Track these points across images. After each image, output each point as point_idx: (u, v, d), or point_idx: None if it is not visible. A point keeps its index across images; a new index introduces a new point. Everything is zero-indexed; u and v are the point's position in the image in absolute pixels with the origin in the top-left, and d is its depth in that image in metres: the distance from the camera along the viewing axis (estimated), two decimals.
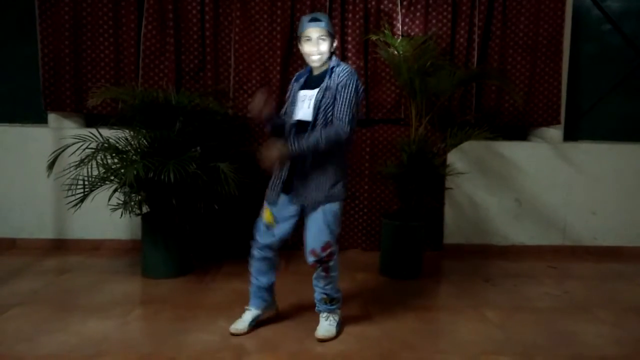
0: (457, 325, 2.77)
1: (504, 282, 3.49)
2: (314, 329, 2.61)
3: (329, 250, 2.47)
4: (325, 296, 2.60)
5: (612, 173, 4.25)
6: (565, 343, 2.58)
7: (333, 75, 2.43)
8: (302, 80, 2.56)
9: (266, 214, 2.53)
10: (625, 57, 4.35)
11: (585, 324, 2.82)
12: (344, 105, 2.38)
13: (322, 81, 2.44)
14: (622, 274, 3.79)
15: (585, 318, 2.90)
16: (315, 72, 2.52)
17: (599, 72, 4.36)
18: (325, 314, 2.62)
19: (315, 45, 2.41)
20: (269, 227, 2.53)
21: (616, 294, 3.35)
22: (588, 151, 4.25)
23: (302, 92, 2.50)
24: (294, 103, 2.52)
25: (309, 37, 2.41)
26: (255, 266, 2.61)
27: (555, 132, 4.22)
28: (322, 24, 2.41)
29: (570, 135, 4.34)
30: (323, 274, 2.54)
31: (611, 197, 4.26)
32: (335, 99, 2.39)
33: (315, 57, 2.43)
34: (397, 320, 2.80)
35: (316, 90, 2.43)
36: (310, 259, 2.49)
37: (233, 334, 2.55)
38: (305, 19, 2.45)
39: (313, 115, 2.41)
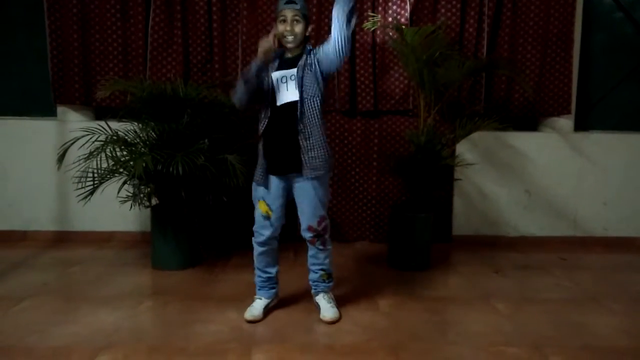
0: (467, 317, 2.76)
1: (513, 274, 3.48)
2: (321, 320, 2.62)
3: (324, 224, 2.61)
4: (322, 272, 2.71)
5: (623, 163, 4.21)
6: (576, 334, 2.57)
7: (312, 54, 2.51)
8: (274, 65, 2.55)
9: (262, 207, 2.58)
10: (637, 46, 4.28)
11: (596, 315, 2.81)
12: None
13: (299, 61, 2.50)
14: (633, 264, 3.77)
15: (595, 309, 2.89)
16: (289, 55, 2.55)
17: (610, 62, 4.30)
18: (325, 296, 2.73)
19: (290, 25, 2.47)
20: (267, 217, 2.59)
21: (627, 285, 3.32)
22: (599, 141, 4.20)
23: (278, 73, 2.51)
24: (269, 85, 2.52)
25: (284, 16, 2.47)
26: (262, 260, 2.69)
27: (565, 122, 4.18)
28: (297, 5, 2.48)
29: (581, 125, 4.29)
30: (321, 247, 2.66)
31: (622, 188, 4.22)
32: (324, 47, 2.46)
33: (289, 37, 2.48)
34: (405, 311, 2.80)
35: (294, 70, 2.48)
36: (308, 234, 2.61)
37: (250, 321, 2.60)
38: (281, 0, 2.50)
39: (299, 93, 2.47)
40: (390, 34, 3.76)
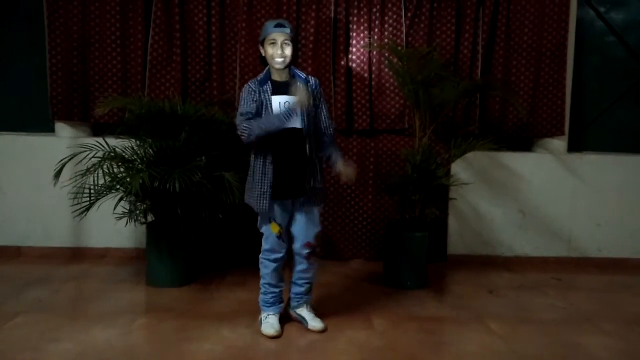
0: (461, 337, 2.76)
1: (508, 294, 3.48)
2: (316, 339, 2.63)
3: (318, 238, 2.74)
4: (308, 285, 2.79)
5: (617, 184, 4.24)
6: (571, 355, 2.57)
7: (309, 85, 2.65)
8: (267, 87, 2.59)
9: (275, 228, 2.63)
10: (630, 69, 4.35)
11: (591, 336, 2.80)
12: (328, 116, 2.74)
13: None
14: (628, 286, 3.77)
15: (590, 330, 2.89)
16: (280, 78, 2.63)
17: (604, 84, 4.37)
18: (308, 307, 2.80)
19: (280, 48, 2.54)
20: (280, 236, 2.64)
21: (622, 306, 3.33)
22: (593, 162, 4.24)
23: (279, 99, 2.57)
24: (270, 110, 2.56)
25: (274, 40, 2.55)
26: (275, 276, 2.73)
27: (559, 144, 4.22)
28: (287, 30, 2.57)
29: (575, 146, 4.34)
30: (313, 262, 2.74)
31: (616, 209, 4.25)
32: (317, 107, 2.67)
33: (279, 60, 2.56)
34: (401, 331, 2.80)
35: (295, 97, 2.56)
36: (306, 251, 2.69)
37: (274, 337, 2.64)
38: (270, 24, 2.60)
39: (305, 123, 2.58)
40: (387, 55, 3.82)
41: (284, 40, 2.54)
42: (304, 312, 2.79)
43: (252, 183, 2.64)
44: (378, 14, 3.93)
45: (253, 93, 2.57)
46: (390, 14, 3.94)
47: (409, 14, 3.95)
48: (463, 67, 4.00)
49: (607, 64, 4.35)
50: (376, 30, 3.94)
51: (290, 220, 2.69)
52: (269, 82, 2.61)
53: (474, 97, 4.02)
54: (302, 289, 2.78)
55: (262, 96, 2.57)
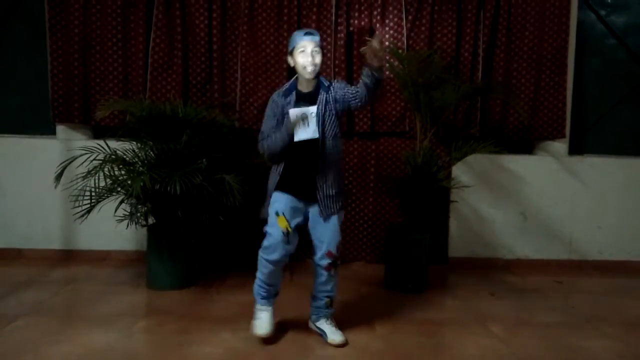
0: (462, 340, 2.75)
1: (509, 296, 3.48)
2: (317, 341, 2.62)
3: (340, 248, 2.64)
4: (328, 299, 2.69)
5: (618, 187, 4.25)
6: (571, 358, 2.56)
7: (331, 90, 2.55)
8: (290, 98, 2.54)
9: (282, 223, 2.52)
10: (630, 71, 4.35)
11: (592, 339, 2.80)
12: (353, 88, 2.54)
13: (316, 97, 2.53)
14: (629, 288, 3.77)
15: (591, 333, 2.88)
16: (305, 89, 2.55)
17: (604, 86, 4.37)
18: (327, 321, 2.70)
19: (310, 56, 2.48)
20: (287, 234, 2.52)
21: (623, 308, 3.32)
22: (593, 165, 4.24)
23: (298, 110, 2.48)
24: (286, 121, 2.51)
25: (304, 48, 2.49)
26: (272, 275, 2.59)
27: (560, 146, 4.23)
28: (317, 37, 2.53)
29: (576, 149, 4.34)
30: (333, 274, 2.63)
31: (617, 211, 4.25)
32: (346, 91, 2.51)
33: (310, 68, 2.48)
34: (401, 334, 2.79)
35: (314, 107, 2.47)
36: (326, 261, 2.59)
37: (264, 337, 2.58)
38: (299, 32, 2.55)
39: (319, 130, 2.48)
40: (387, 57, 3.82)
41: (313, 48, 2.48)
42: (324, 325, 2.68)
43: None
44: (379, 17, 3.93)
45: (275, 107, 2.55)
46: (390, 16, 3.94)
47: (410, 17, 3.95)
48: (464, 69, 4.00)
49: (607, 67, 4.35)
50: (377, 32, 3.95)
51: (306, 226, 2.61)
52: (294, 92, 2.56)
53: (475, 100, 4.02)
54: (322, 302, 2.68)
55: (285, 108, 2.52)
